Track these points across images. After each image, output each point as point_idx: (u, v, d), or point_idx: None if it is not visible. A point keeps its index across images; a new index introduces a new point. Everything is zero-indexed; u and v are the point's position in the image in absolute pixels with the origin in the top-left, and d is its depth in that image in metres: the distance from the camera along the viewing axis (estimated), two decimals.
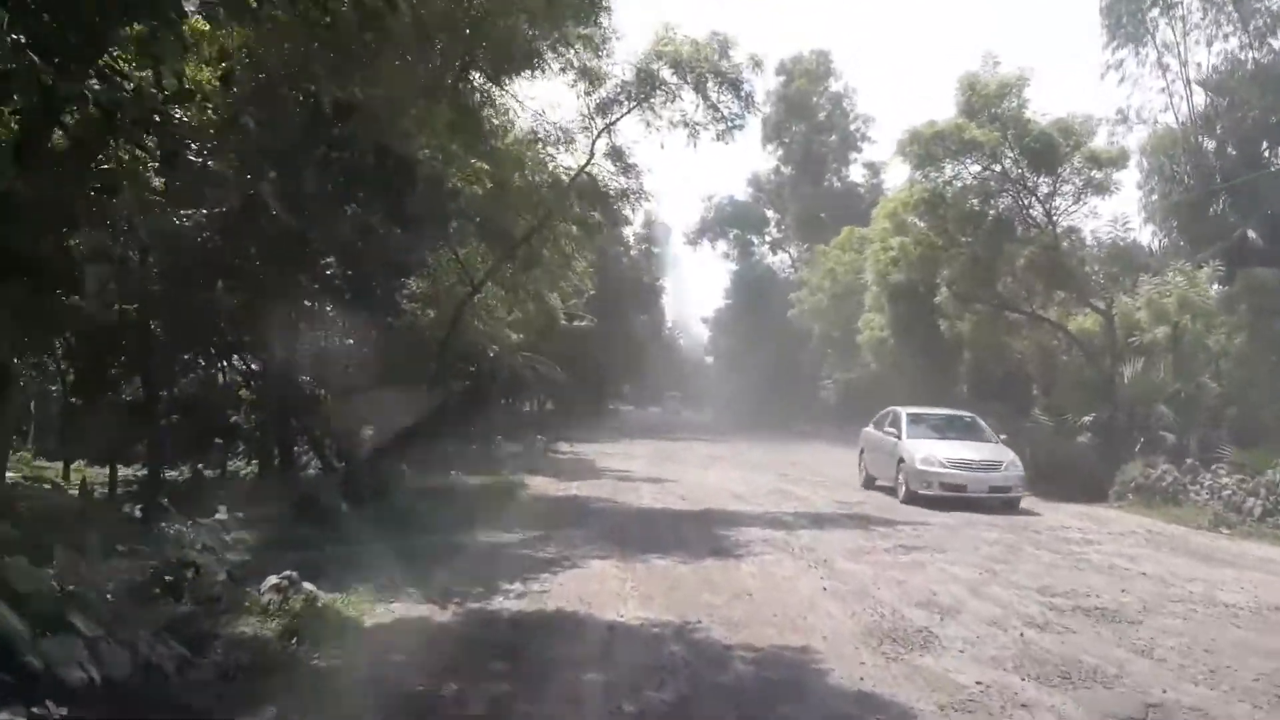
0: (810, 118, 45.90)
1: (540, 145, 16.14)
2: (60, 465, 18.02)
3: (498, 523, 13.10)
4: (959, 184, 23.63)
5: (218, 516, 11.42)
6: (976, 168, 23.46)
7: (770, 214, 49.68)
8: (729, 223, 50.55)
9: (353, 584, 8.31)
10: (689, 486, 18.80)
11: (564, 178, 16.64)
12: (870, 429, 20.16)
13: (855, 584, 9.32)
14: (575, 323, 31.06)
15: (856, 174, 47.47)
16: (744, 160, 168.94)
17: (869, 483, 19.42)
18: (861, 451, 20.42)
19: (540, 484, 18.80)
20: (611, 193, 16.80)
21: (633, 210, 17.13)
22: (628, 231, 43.49)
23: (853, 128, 46.31)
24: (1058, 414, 23.31)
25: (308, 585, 7.66)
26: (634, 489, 18.24)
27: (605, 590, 8.63)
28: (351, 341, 15.29)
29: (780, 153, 47.28)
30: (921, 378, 30.41)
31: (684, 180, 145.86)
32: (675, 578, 9.38)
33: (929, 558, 11.28)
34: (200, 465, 15.49)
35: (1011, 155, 22.57)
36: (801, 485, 19.97)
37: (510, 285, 17.18)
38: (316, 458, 15.32)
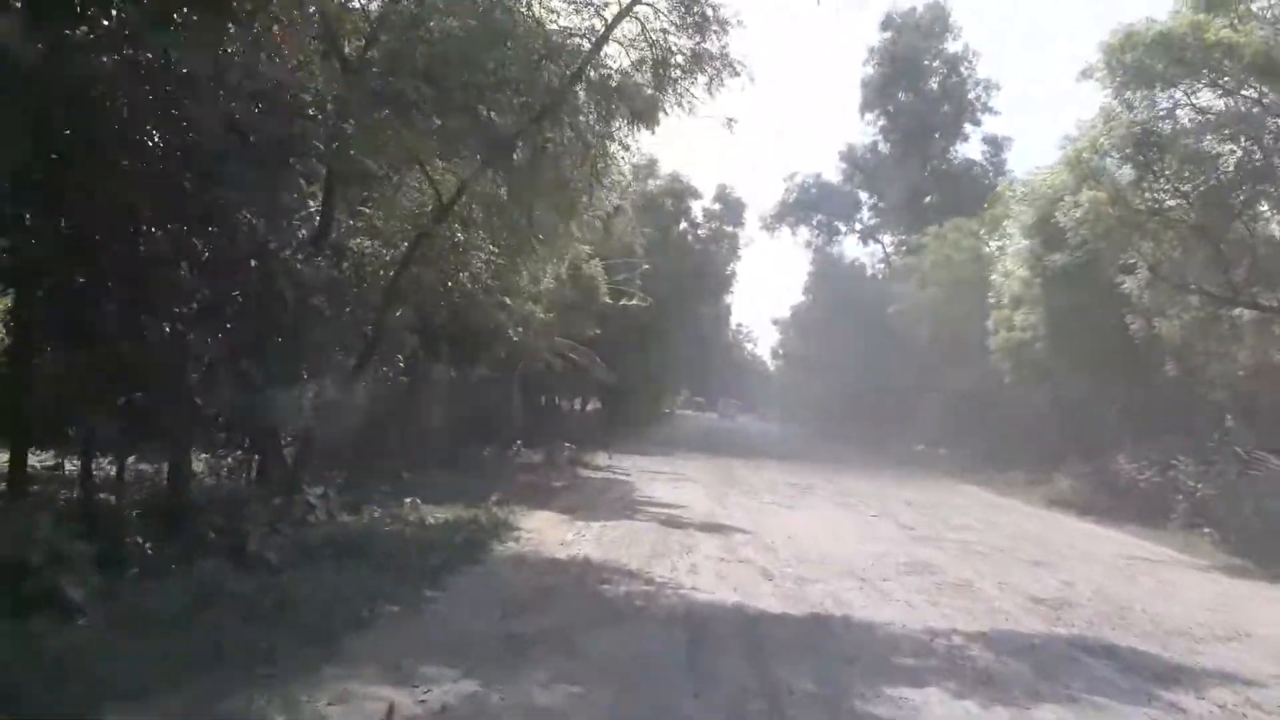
0: (920, 82, 38.57)
1: None
2: None
3: (395, 637, 6.48)
4: (1181, 117, 16.35)
5: None
6: (1210, 95, 16.11)
7: (864, 196, 42.43)
8: (813, 206, 43.34)
9: None
10: (772, 547, 11.92)
11: (597, 25, 9.85)
12: None
13: None
14: (625, 302, 24.39)
15: (972, 151, 39.90)
16: (835, 133, 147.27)
17: None
18: None
19: (540, 527, 12.11)
20: (676, 54, 9.89)
21: (711, 90, 10.14)
22: (696, 207, 36.79)
23: (971, 95, 38.83)
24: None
25: None
26: (685, 546, 11.43)
27: None
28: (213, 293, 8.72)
29: (881, 123, 39.98)
30: (1075, 393, 23.05)
31: (762, 156, 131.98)
32: None
33: None
34: None
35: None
36: (947, 551, 12.91)
37: (500, 206, 10.48)
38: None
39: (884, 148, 41.04)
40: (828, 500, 18.94)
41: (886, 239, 43.10)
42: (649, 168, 35.64)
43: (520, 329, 20.82)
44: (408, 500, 12.08)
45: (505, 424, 23.60)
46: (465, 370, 22.69)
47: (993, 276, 26.41)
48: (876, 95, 39.35)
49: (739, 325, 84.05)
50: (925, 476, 28.88)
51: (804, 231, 44.13)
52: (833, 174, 43.50)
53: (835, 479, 23.89)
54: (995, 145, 38.38)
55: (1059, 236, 20.21)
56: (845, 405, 55.01)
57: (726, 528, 13.33)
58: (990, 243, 31.20)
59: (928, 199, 38.83)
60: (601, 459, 24.17)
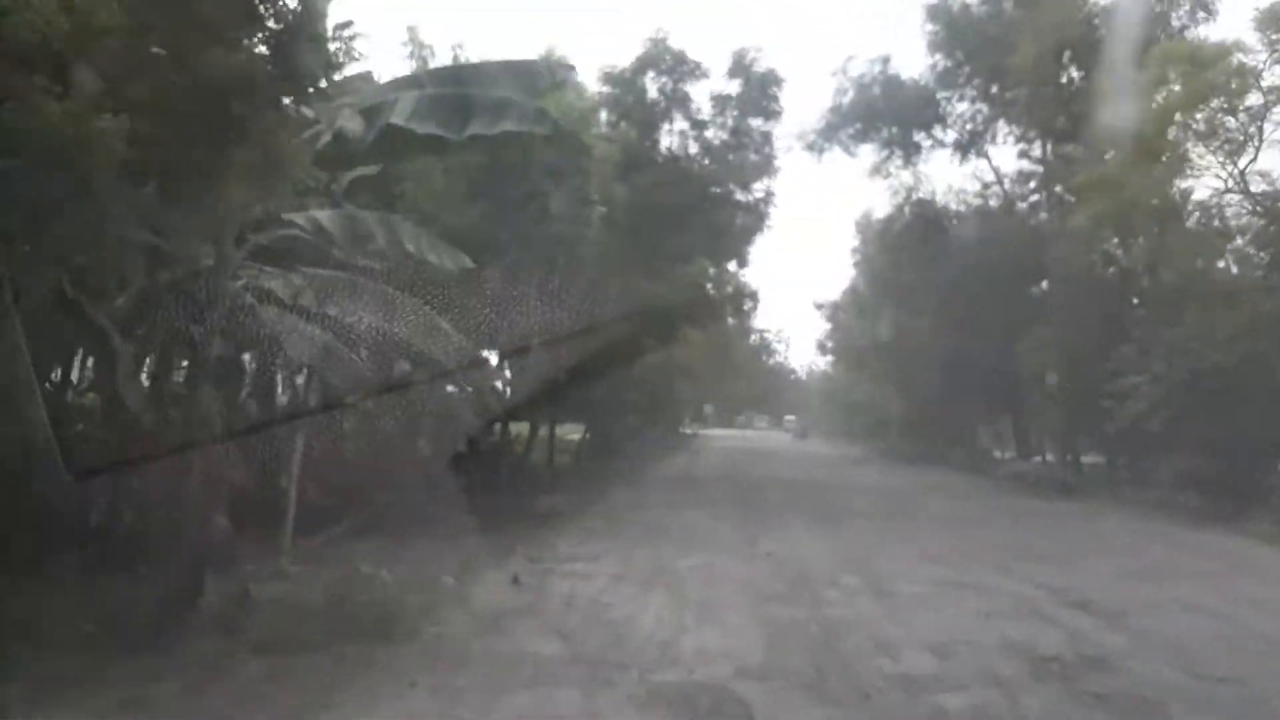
0: None
1: None
2: None
3: None
4: None
5: None
6: None
7: (962, 87, 27.27)
8: (878, 112, 28.51)
9: None
10: None
11: None
12: None
13: None
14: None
15: None
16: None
17: None
18: None
19: None
20: None
21: None
22: (700, 93, 21.68)
23: None
24: None
25: None
26: None
27: None
28: None
29: None
30: None
31: (802, 41, 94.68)
32: None
33: None
34: None
35: None
36: None
37: None
38: None
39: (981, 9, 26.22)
40: None
41: (997, 145, 27.99)
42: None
43: None
44: None
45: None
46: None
47: None
48: None
49: (763, 332, 68.33)
50: (1186, 530, 14.14)
51: (867, 152, 29.20)
52: (908, 58, 28.70)
53: (1068, 581, 9.12)
54: None
55: None
56: (922, 409, 40.14)
57: None
58: None
59: (1069, 71, 23.84)
60: (526, 568, 9.70)
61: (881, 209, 30.88)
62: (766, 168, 22.08)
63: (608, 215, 18.94)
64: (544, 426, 25.24)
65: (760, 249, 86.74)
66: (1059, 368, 24.57)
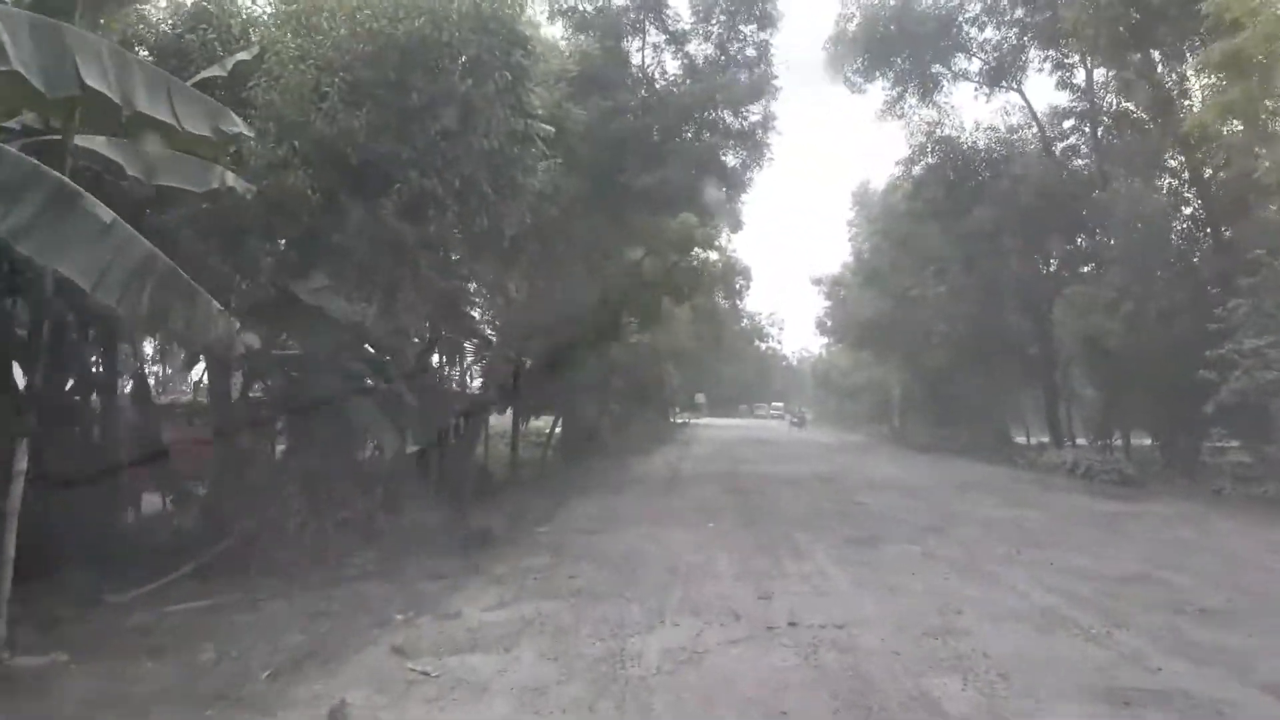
0: None
1: None
2: None
3: None
4: None
5: None
6: None
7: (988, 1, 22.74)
8: (889, 42, 24.02)
9: None
10: None
11: None
12: None
13: None
14: None
15: None
16: None
17: None
18: None
19: None
20: None
21: None
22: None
23: None
24: None
25: None
26: None
27: None
28: None
29: None
30: None
31: None
32: None
33: None
34: None
35: None
36: None
37: None
38: None
39: None
40: None
41: (1033, 73, 23.60)
42: None
43: None
44: None
45: None
46: None
47: None
48: None
49: (755, 316, 64.22)
50: None
51: (879, 88, 24.74)
52: None
53: None
54: None
55: None
56: (932, 390, 36.00)
57: None
58: None
59: None
60: (335, 694, 5.27)
61: (880, 178, 26.62)
62: (763, 86, 17.50)
63: (563, 144, 14.47)
64: (508, 418, 21.14)
65: (752, 218, 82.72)
66: (1114, 333, 20.35)
